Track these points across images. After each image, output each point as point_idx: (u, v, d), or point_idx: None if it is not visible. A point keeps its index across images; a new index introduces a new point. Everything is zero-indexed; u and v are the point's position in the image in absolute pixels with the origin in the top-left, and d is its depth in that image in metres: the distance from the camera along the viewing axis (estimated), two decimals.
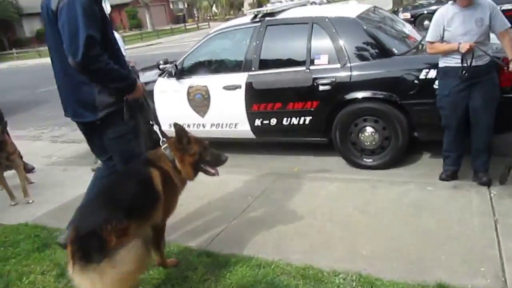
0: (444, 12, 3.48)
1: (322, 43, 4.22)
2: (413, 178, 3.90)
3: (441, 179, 3.72)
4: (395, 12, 15.51)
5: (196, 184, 2.79)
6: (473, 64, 3.32)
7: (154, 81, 5.15)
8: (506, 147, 4.03)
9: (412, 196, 3.49)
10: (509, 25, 3.43)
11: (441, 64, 3.56)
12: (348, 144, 4.32)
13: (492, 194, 3.36)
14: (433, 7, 13.88)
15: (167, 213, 2.63)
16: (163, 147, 2.59)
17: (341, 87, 4.13)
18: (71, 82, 2.64)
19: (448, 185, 3.63)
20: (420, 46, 4.41)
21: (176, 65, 4.91)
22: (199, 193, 3.88)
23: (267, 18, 4.63)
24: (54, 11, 2.46)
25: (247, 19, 4.84)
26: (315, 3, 38.12)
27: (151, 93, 5.12)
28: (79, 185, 4.44)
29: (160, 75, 5.12)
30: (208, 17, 47.24)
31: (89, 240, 2.07)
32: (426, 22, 13.70)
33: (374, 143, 4.23)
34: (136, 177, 2.50)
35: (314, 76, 4.20)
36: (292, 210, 3.50)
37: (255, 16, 4.72)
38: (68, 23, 2.35)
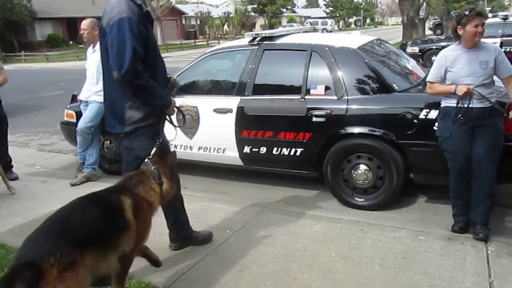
0: (447, 53, 3.31)
1: (319, 72, 4.02)
2: (405, 224, 3.62)
3: (453, 231, 3.41)
4: (404, 45, 15.43)
5: None
6: (473, 106, 3.13)
7: None
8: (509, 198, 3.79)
9: (402, 246, 3.21)
10: None
11: (443, 104, 3.36)
12: (340, 181, 4.07)
13: (489, 251, 3.09)
14: (442, 43, 13.79)
15: (139, 242, 2.44)
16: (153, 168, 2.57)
17: (336, 120, 3.90)
18: (111, 95, 2.79)
19: (442, 236, 3.35)
20: (423, 83, 4.20)
21: None
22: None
23: (265, 42, 4.44)
24: (104, 28, 2.65)
25: (245, 41, 4.65)
26: (326, 30, 38.54)
27: None
28: (54, 200, 4.21)
29: None
30: (219, 35, 47.57)
31: (25, 272, 1.84)
32: (434, 58, 13.53)
33: (367, 181, 3.98)
34: (102, 203, 2.31)
35: (308, 106, 3.98)
36: (271, 250, 3.22)
37: (254, 39, 4.53)
38: (117, 39, 2.53)
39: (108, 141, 5.32)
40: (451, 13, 21.77)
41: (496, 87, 3.31)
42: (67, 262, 1.92)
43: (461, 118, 3.16)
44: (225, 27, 50.93)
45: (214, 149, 4.58)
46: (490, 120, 3.21)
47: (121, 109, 2.75)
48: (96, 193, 2.43)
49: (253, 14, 54.96)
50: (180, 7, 51.95)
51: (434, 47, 13.78)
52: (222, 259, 3.15)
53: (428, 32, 28.23)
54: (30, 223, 3.77)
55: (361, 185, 4.01)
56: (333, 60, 4.00)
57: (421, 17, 24.51)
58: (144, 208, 2.44)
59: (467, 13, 3.17)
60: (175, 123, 3.06)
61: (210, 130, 4.51)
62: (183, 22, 52.11)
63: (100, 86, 4.92)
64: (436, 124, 3.52)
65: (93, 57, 4.90)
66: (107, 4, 2.70)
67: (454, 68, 3.23)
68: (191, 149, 4.72)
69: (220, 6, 61.41)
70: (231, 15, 53.09)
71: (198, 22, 52.28)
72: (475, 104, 3.15)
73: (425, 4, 24.61)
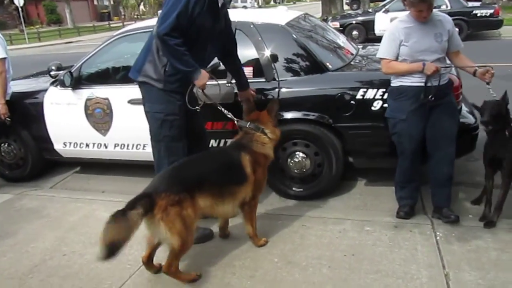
0: (399, 25, 2.99)
1: (246, 53, 3.55)
2: (348, 213, 3.37)
3: (399, 217, 3.19)
4: (325, 20, 15.43)
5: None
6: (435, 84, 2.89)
7: (45, 90, 4.23)
8: (461, 174, 3.66)
9: (348, 240, 2.94)
10: (462, 45, 3.07)
11: (395, 82, 3.07)
12: (275, 171, 3.72)
13: (438, 237, 2.90)
14: (361, 18, 14.04)
15: (258, 191, 2.88)
16: (248, 124, 2.89)
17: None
18: (145, 46, 3.03)
19: (388, 224, 3.12)
20: (355, 60, 3.94)
21: (71, 72, 4.03)
22: (89, 239, 3.12)
23: None
24: None
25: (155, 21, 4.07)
26: (246, 7, 37.95)
27: (40, 105, 4.21)
28: None
29: (52, 84, 4.21)
30: (135, 16, 45.24)
31: (143, 199, 2.35)
32: (354, 32, 13.73)
33: (304, 170, 3.67)
34: (223, 156, 2.82)
35: (236, 91, 3.55)
36: (205, 261, 2.79)
37: None
38: (172, 2, 2.69)
39: (6, 144, 4.54)
40: None
41: None
42: (175, 200, 2.38)
43: (432, 98, 2.89)
44: (141, 7, 48.54)
45: (133, 145, 4.02)
46: (448, 98, 3.01)
47: (142, 59, 2.98)
48: (220, 148, 3.19)
49: None
50: None
51: (353, 22, 13.95)
52: (149, 280, 2.68)
53: (345, 7, 28.72)
54: None
55: (298, 174, 3.70)
56: (259, 38, 3.58)
57: None
58: (262, 161, 2.85)
59: None
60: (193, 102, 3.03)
61: (125, 124, 3.94)
62: (95, 2, 48.78)
63: None
64: (376, 104, 3.28)
65: None
66: None
67: (409, 42, 2.94)
68: (106, 147, 4.12)
69: None
70: None
71: (112, 3, 49.21)
72: (434, 82, 2.91)
73: None
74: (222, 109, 3.04)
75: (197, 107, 2.97)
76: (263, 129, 2.89)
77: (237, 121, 3.00)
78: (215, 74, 3.13)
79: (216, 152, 3.02)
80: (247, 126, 2.90)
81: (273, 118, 2.96)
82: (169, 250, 2.48)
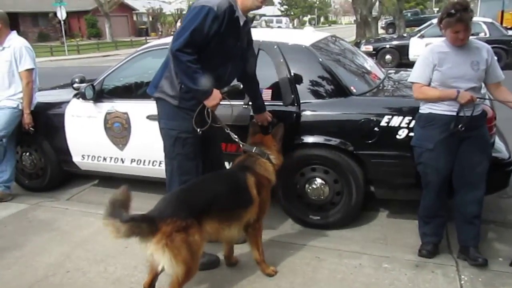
0: (435, 49, 2.83)
1: (267, 74, 3.45)
2: (366, 247, 3.16)
3: (421, 255, 2.97)
4: (358, 43, 15.30)
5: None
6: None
7: (67, 102, 4.25)
8: (492, 212, 3.41)
9: (364, 278, 2.74)
10: (503, 76, 2.87)
11: (424, 109, 2.89)
12: (293, 197, 3.57)
13: (463, 281, 2.67)
14: (395, 42, 13.81)
15: (262, 214, 2.77)
16: (254, 149, 2.81)
17: (286, 129, 3.37)
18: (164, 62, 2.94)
19: (409, 262, 2.90)
20: (382, 85, 3.78)
21: (93, 85, 4.03)
22: (95, 256, 3.03)
23: None
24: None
25: None
26: (281, 27, 38.30)
27: (61, 116, 4.23)
28: None
29: (74, 96, 4.22)
30: (172, 33, 46.31)
31: (145, 222, 2.22)
32: (388, 56, 13.51)
33: (323, 197, 3.50)
34: (230, 179, 2.69)
35: (252, 113, 3.41)
36: None
37: None
38: (189, 19, 2.64)
39: (27, 153, 4.57)
40: (402, 12, 22.02)
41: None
42: (181, 226, 2.26)
43: (463, 129, 2.71)
44: (178, 24, 49.68)
45: (149, 161, 3.96)
46: (480, 130, 2.81)
47: (159, 75, 2.92)
48: (225, 171, 2.98)
49: None
50: (131, 3, 49.89)
51: (387, 46, 13.71)
52: None
53: (381, 31, 28.55)
54: None
55: (316, 202, 3.53)
56: (282, 60, 3.47)
57: (374, 16, 24.65)
58: (266, 183, 2.76)
59: (445, 16, 2.73)
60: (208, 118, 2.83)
61: (143, 140, 3.88)
62: (134, 18, 50.22)
63: (13, 89, 4.18)
64: (401, 132, 3.11)
65: (2, 57, 4.13)
66: None
67: (443, 67, 2.77)
68: (123, 162, 4.08)
69: (173, 3, 59.70)
70: (183, 12, 51.88)
71: (150, 19, 50.58)
72: (466, 112, 2.72)
73: (378, 3, 24.79)
74: (229, 131, 2.94)
75: (199, 130, 2.79)
76: (269, 155, 2.82)
77: (242, 145, 2.91)
78: (233, 95, 3.02)
79: (224, 174, 2.89)
80: (253, 151, 2.82)
81: (277, 142, 2.90)
82: (172, 278, 2.33)
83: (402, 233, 3.46)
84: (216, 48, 2.72)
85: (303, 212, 3.58)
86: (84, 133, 4.16)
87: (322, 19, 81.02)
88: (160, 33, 46.16)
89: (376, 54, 13.53)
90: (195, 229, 2.33)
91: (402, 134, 3.16)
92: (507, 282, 2.64)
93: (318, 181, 3.48)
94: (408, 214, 3.62)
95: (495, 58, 2.87)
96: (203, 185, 2.65)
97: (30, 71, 4.19)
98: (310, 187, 3.51)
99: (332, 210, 3.52)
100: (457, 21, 2.67)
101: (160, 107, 2.96)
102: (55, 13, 28.37)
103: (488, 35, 12.14)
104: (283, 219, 3.65)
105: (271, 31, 4.33)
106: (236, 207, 2.59)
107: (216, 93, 2.75)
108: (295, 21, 69.21)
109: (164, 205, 2.40)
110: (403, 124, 3.15)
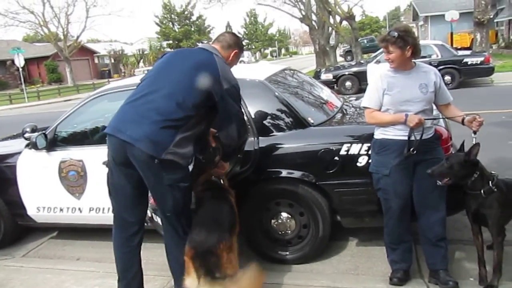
0: (383, 72, 2.88)
1: None
2: (337, 280, 3.09)
3: (392, 283, 2.92)
4: (318, 72, 15.64)
5: None
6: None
7: (19, 153, 4.06)
8: (459, 231, 3.39)
9: None
10: (451, 98, 2.93)
11: (378, 135, 2.90)
12: (258, 233, 3.48)
13: None
14: (354, 69, 14.18)
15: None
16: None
17: (245, 165, 3.31)
18: (160, 117, 2.53)
19: None
20: (339, 114, 3.80)
21: (45, 134, 3.88)
22: None
23: None
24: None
25: (137, 79, 3.97)
26: (244, 62, 38.90)
27: (13, 168, 4.03)
28: None
29: (26, 146, 4.05)
30: (135, 74, 46.21)
31: (208, 257, 2.40)
32: (348, 83, 13.84)
33: (289, 231, 3.43)
34: (225, 200, 2.81)
35: None
36: None
37: None
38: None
39: None
40: (358, 39, 22.80)
41: None
42: (229, 246, 2.49)
43: (415, 152, 2.72)
44: (141, 64, 49.75)
45: (108, 208, 3.78)
46: (434, 153, 2.83)
47: (168, 136, 2.52)
48: (217, 194, 2.84)
49: (168, 50, 54.38)
50: (92, 46, 49.72)
51: (346, 73, 14.06)
52: None
53: (339, 59, 29.40)
54: None
55: (283, 236, 3.45)
56: None
57: (332, 45, 25.47)
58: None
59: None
60: None
61: (100, 187, 3.72)
62: (96, 61, 49.92)
63: None
64: (361, 159, 3.10)
65: None
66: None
67: (392, 91, 2.80)
68: (81, 211, 3.90)
69: (135, 43, 59.91)
70: (146, 52, 52.07)
71: (112, 61, 50.46)
72: (417, 135, 2.74)
73: (334, 33, 25.61)
74: None
75: None
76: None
77: None
78: None
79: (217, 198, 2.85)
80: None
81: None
82: None
83: (372, 261, 3.40)
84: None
85: (271, 249, 3.49)
86: (38, 184, 3.97)
87: (283, 51, 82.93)
88: (123, 74, 46.04)
89: (336, 81, 13.84)
90: (234, 245, 2.61)
91: (362, 161, 3.15)
92: None
93: (284, 215, 3.42)
94: (377, 241, 3.57)
95: (443, 80, 2.94)
96: (217, 208, 2.78)
97: None
98: (276, 222, 3.44)
99: (300, 244, 3.44)
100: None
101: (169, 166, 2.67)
102: (13, 61, 27.91)
103: (439, 56, 12.64)
104: (250, 257, 3.52)
105: None
106: (235, 220, 2.81)
107: None
108: (257, 54, 70.60)
109: (208, 233, 2.53)
110: (362, 152, 3.14)
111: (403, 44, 2.72)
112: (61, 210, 3.97)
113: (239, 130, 2.73)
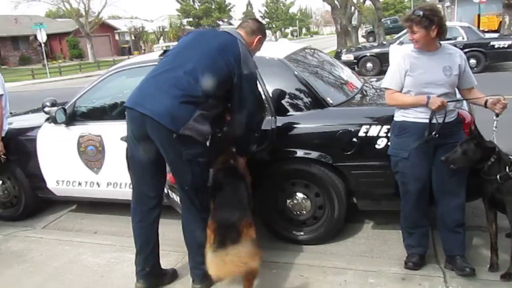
0: (407, 53, 2.78)
1: None
2: (351, 262, 3.07)
3: (407, 267, 2.88)
4: (339, 53, 15.37)
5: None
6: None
7: (39, 127, 4.12)
8: (478, 217, 3.33)
9: None
10: (476, 82, 2.83)
11: (398, 117, 2.83)
12: (273, 213, 3.48)
13: None
14: (375, 50, 13.88)
15: None
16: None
17: (262, 144, 3.28)
18: (180, 93, 2.53)
19: (395, 276, 2.82)
20: (359, 95, 3.72)
21: (64, 109, 3.91)
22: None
23: None
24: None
25: (155, 55, 3.96)
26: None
27: (33, 141, 4.09)
28: None
29: (46, 120, 4.09)
30: (153, 50, 46.22)
31: (231, 231, 2.42)
32: (369, 64, 13.58)
33: (304, 212, 3.41)
34: (242, 180, 2.82)
35: None
36: None
37: (164, 52, 3.85)
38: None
39: (0, 181, 4.41)
40: (381, 20, 22.26)
41: None
42: (250, 222, 2.51)
43: (437, 136, 2.65)
44: (161, 41, 49.70)
45: (126, 184, 3.83)
46: (456, 137, 2.74)
47: (187, 112, 2.53)
48: (235, 173, 2.82)
49: (188, 27, 54.12)
50: (112, 22, 49.86)
51: (368, 54, 13.78)
52: None
53: (361, 39, 28.87)
54: None
55: (298, 217, 3.44)
56: None
57: (354, 25, 24.95)
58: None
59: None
60: None
61: (118, 162, 3.74)
62: (116, 38, 50.10)
63: None
64: (380, 142, 3.04)
65: None
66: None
67: (414, 73, 2.71)
68: (99, 186, 3.95)
69: (155, 21, 59.76)
70: (166, 29, 51.94)
71: (133, 38, 50.54)
72: (439, 118, 2.66)
73: (356, 12, 25.07)
74: None
75: None
76: None
77: None
78: None
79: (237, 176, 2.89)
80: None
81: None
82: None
83: (388, 245, 3.38)
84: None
85: (286, 228, 3.48)
86: (58, 158, 4.03)
87: (304, 30, 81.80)
88: (143, 51, 46.10)
89: (357, 62, 13.59)
90: (253, 221, 2.60)
91: (381, 143, 3.09)
92: None
93: (299, 195, 3.40)
94: (393, 225, 3.53)
95: (468, 63, 2.84)
96: (237, 186, 2.80)
97: None
98: (291, 202, 3.42)
99: (315, 225, 3.43)
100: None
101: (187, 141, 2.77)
102: (35, 36, 28.18)
103: (465, 39, 12.27)
104: (264, 236, 3.53)
105: None
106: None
107: None
108: (278, 33, 69.80)
109: (231, 210, 2.57)
110: (381, 134, 3.08)
111: (428, 24, 2.62)
112: (79, 184, 4.03)
113: (248, 120, 2.75)
